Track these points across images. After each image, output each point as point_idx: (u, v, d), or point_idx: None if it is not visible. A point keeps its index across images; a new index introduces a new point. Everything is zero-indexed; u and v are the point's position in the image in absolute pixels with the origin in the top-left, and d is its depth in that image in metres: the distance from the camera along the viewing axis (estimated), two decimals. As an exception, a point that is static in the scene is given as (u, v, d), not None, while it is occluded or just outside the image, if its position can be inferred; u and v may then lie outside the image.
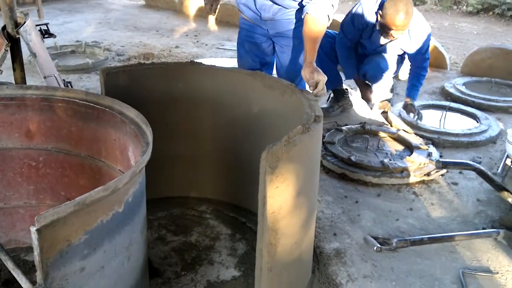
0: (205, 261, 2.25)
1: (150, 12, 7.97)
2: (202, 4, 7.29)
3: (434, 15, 8.97)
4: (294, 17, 2.86)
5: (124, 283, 1.56)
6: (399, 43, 3.56)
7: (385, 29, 3.38)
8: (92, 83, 4.60)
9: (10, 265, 1.40)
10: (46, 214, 1.23)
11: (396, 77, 4.21)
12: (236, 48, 3.34)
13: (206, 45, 6.16)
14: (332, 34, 3.77)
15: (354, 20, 3.61)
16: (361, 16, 3.56)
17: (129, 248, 1.56)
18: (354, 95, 4.13)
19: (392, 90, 4.02)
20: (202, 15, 7.50)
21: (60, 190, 2.20)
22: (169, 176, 2.64)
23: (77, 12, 7.73)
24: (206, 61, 4.55)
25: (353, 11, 3.63)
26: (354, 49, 3.81)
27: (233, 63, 4.45)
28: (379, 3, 3.47)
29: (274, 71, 3.21)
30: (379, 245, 2.27)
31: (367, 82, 3.89)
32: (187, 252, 2.31)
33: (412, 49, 3.56)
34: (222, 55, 5.67)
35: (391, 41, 3.54)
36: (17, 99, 2.04)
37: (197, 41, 6.33)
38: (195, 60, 2.81)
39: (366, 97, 3.93)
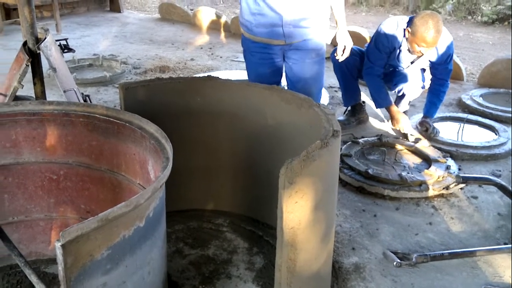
0: (222, 275, 2.25)
1: (165, 25, 8.05)
2: (216, 17, 7.41)
3: (448, 26, 8.93)
4: (312, 25, 2.89)
5: (145, 298, 1.57)
6: (427, 56, 3.55)
7: (414, 46, 3.38)
8: (110, 96, 4.65)
9: (34, 279, 1.42)
10: (71, 230, 1.24)
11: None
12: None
13: (221, 57, 6.20)
14: (356, 51, 3.77)
15: (378, 46, 3.60)
16: (385, 40, 3.55)
17: (150, 262, 1.57)
18: (370, 107, 4.12)
19: (409, 103, 4.01)
20: (216, 27, 7.56)
21: (80, 203, 2.23)
22: (186, 189, 2.64)
23: (94, 26, 7.83)
24: (221, 74, 4.59)
25: (375, 37, 3.64)
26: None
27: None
28: (403, 22, 3.47)
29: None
30: (398, 260, 2.25)
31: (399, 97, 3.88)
32: (205, 266, 2.31)
33: (436, 58, 3.55)
34: (237, 67, 5.70)
35: (419, 57, 3.54)
36: (39, 114, 2.08)
37: (212, 54, 6.37)
38: (211, 74, 2.83)
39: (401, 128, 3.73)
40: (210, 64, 5.85)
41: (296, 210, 1.69)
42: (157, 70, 5.52)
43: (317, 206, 1.77)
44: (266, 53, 3.04)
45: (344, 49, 3.08)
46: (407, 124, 3.63)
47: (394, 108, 3.69)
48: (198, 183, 2.70)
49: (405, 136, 3.59)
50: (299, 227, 1.73)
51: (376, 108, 3.84)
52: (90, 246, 1.32)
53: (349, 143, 3.41)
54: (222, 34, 7.38)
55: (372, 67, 3.67)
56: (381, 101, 3.72)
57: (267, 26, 2.93)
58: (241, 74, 5.03)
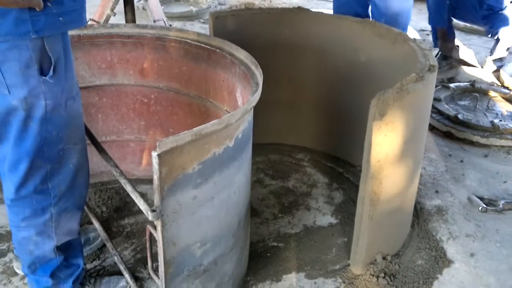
0: (301, 206, 2.28)
1: (252, -37, 7.91)
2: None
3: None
4: None
5: (230, 216, 1.62)
6: None
7: None
8: (196, 30, 4.66)
9: (129, 188, 1.49)
10: (167, 141, 1.29)
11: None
12: None
13: (307, -4, 6.05)
14: None
15: None
16: None
17: (236, 183, 1.61)
18: (464, 52, 3.90)
19: (508, 49, 3.75)
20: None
21: (168, 127, 2.31)
22: (269, 122, 2.66)
23: (180, -39, 7.83)
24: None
25: None
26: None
27: (335, 15, 4.34)
28: None
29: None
30: (484, 205, 2.19)
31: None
32: (285, 196, 2.35)
33: None
34: (323, 7, 5.54)
35: None
36: (133, 38, 2.13)
37: (298, -8, 6.22)
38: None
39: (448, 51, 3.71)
40: (296, 2, 5.73)
41: (385, 143, 1.66)
42: (242, 6, 5.48)
43: (406, 141, 1.73)
44: None
45: None
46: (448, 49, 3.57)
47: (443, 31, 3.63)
48: (281, 117, 2.71)
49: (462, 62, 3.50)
50: (386, 161, 1.70)
51: (429, 23, 3.77)
52: (183, 159, 1.37)
53: (439, 87, 3.27)
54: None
55: None
56: (436, 19, 3.66)
57: None
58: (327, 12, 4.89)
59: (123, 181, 1.55)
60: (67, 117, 1.49)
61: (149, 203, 1.40)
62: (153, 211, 1.33)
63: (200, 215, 1.49)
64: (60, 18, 1.36)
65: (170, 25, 3.61)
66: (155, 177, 1.32)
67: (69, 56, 1.48)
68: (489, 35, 3.61)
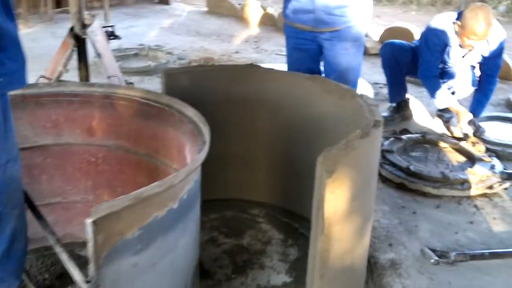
0: (256, 265, 2.23)
1: (212, 19, 8.08)
2: (263, 11, 7.38)
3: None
4: (348, 15, 2.85)
5: (175, 282, 1.56)
6: (478, 50, 3.44)
7: (464, 39, 3.31)
8: (154, 85, 4.69)
9: (64, 257, 1.43)
10: (102, 207, 1.25)
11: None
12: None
13: (266, 51, 6.17)
14: (407, 47, 3.71)
15: (429, 45, 3.51)
16: (435, 37, 3.47)
17: (182, 246, 1.56)
18: (415, 104, 4.01)
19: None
20: (263, 21, 7.52)
21: (117, 187, 2.24)
22: (223, 177, 2.64)
23: (142, 17, 7.94)
24: (265, 66, 4.54)
25: (424, 36, 3.57)
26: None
27: (291, 68, 4.42)
28: (452, 16, 3.41)
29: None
30: (436, 258, 2.19)
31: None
32: (239, 255, 2.30)
33: (487, 52, 3.44)
34: (281, 61, 5.65)
35: (470, 51, 3.44)
36: (80, 96, 2.10)
37: (257, 47, 6.35)
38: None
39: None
40: (254, 57, 5.83)
41: (332, 200, 1.65)
42: (202, 61, 5.54)
43: (354, 197, 1.72)
44: (300, 38, 3.05)
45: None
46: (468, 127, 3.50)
47: (458, 107, 3.56)
48: (236, 173, 2.68)
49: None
50: (334, 218, 1.68)
51: (439, 108, 3.70)
52: (121, 225, 1.32)
53: (392, 139, 3.33)
54: (269, 28, 7.35)
55: (427, 68, 3.57)
56: (442, 101, 3.59)
57: (300, 12, 2.94)
58: (285, 67, 4.98)
59: (58, 250, 1.48)
60: (7, 180, 1.43)
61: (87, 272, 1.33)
62: (87, 282, 1.27)
63: (142, 284, 1.43)
64: (1, 79, 1.33)
65: (126, 81, 3.59)
66: (90, 245, 1.27)
67: (9, 117, 1.44)
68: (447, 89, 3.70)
